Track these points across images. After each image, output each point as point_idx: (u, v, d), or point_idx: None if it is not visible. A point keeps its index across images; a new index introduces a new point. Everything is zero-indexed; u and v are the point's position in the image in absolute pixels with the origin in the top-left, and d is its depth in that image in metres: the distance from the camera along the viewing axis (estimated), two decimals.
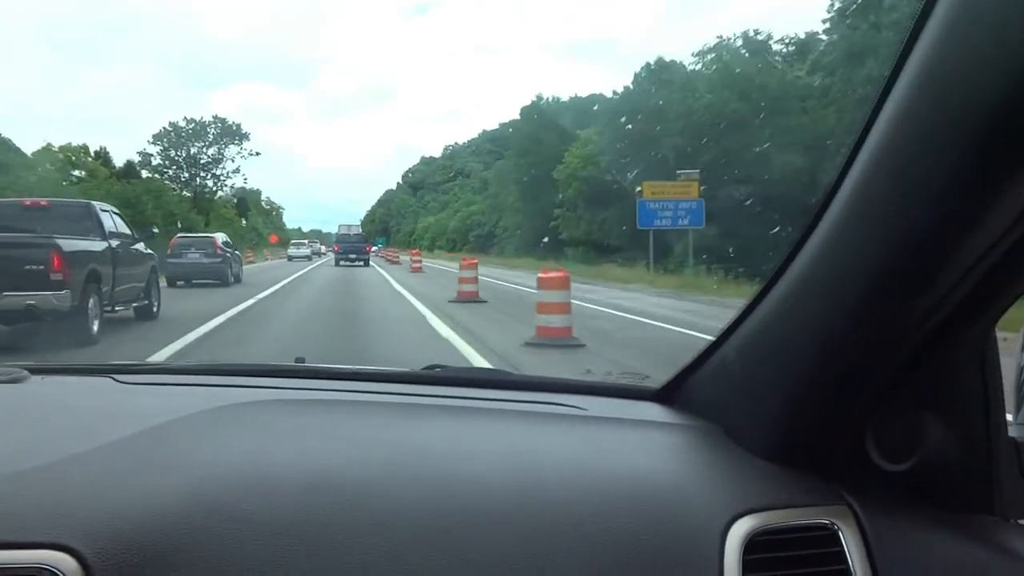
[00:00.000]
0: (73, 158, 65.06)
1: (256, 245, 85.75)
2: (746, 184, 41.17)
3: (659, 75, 57.81)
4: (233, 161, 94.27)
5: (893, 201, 1.09)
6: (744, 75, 48.93)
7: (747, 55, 53.36)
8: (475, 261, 25.38)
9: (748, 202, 39.29)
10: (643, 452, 1.54)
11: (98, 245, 14.42)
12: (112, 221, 15.86)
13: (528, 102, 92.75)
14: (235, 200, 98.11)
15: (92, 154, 67.37)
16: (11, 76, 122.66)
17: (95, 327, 13.49)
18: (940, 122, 1.01)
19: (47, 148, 63.01)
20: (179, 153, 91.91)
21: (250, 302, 21.47)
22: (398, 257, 73.26)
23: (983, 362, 1.31)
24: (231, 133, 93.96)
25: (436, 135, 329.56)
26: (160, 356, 11.28)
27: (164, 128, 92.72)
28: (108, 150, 70.00)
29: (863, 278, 1.18)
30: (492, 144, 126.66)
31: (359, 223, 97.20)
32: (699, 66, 56.04)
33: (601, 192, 56.14)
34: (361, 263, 54.89)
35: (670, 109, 51.57)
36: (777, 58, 53.38)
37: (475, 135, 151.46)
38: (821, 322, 1.30)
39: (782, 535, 1.33)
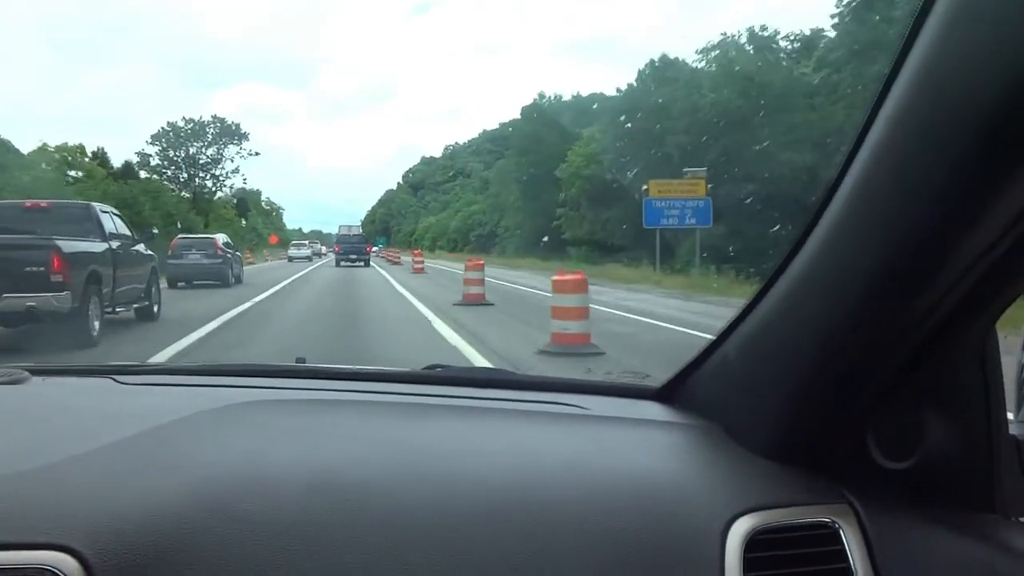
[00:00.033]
0: (69, 158, 64.64)
1: (256, 246, 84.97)
2: (753, 182, 40.40)
3: (663, 72, 57.02)
4: (232, 161, 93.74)
5: (893, 199, 1.09)
6: (749, 72, 48.24)
7: (752, 52, 52.67)
8: (481, 262, 24.32)
9: (748, 200, 38.69)
10: (644, 451, 1.54)
11: (98, 246, 14.43)
12: (112, 222, 15.87)
13: (529, 102, 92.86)
14: (235, 201, 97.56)
15: (89, 154, 67.06)
16: (11, 76, 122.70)
17: (95, 328, 13.49)
18: (940, 120, 1.01)
19: (43, 148, 62.64)
20: (178, 153, 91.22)
21: (250, 303, 21.44)
22: (399, 257, 72.01)
23: (984, 360, 1.31)
24: (230, 133, 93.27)
25: (436, 135, 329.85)
26: (161, 357, 11.27)
27: (162, 128, 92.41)
28: (106, 150, 69.86)
29: (864, 276, 1.18)
30: (493, 144, 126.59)
31: (359, 223, 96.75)
32: (703, 63, 55.40)
33: (604, 191, 55.27)
34: (361, 263, 54.90)
35: (674, 106, 50.66)
36: (782, 55, 52.71)
37: (475, 135, 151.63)
38: (822, 321, 1.30)
39: (783, 534, 1.33)
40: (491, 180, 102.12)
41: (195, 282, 29.54)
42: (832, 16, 46.94)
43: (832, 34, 48.33)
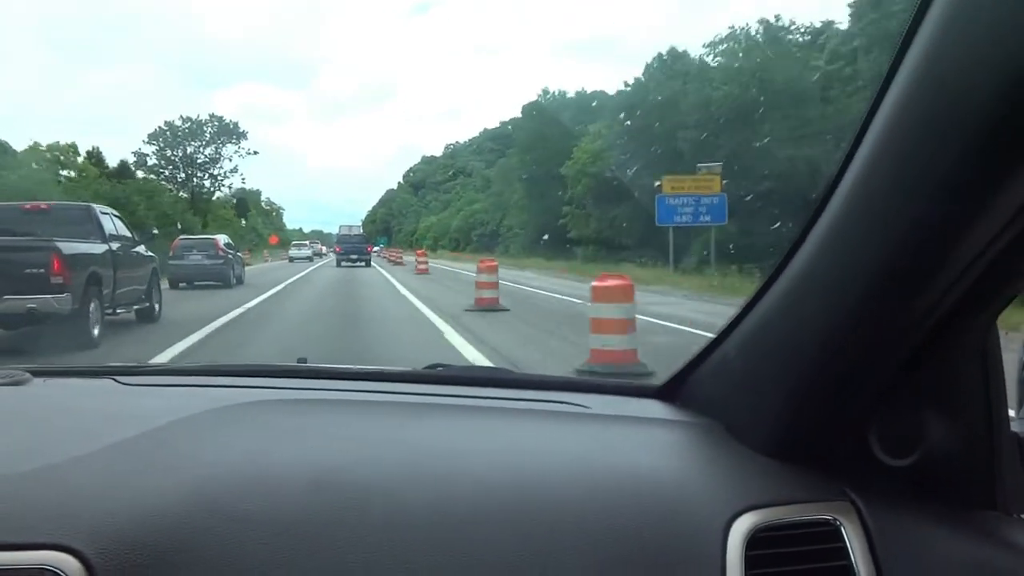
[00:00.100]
0: (61, 157, 64.08)
1: (256, 246, 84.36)
2: (769, 179, 38.44)
3: (671, 66, 55.80)
4: (231, 160, 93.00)
5: (893, 196, 1.09)
6: (763, 63, 46.81)
7: (765, 43, 51.09)
8: (494, 263, 21.86)
9: (763, 196, 37.11)
10: (645, 449, 1.54)
11: (98, 248, 14.45)
12: (112, 224, 15.89)
13: (529, 100, 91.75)
14: (234, 201, 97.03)
15: (84, 154, 66.72)
16: (11, 76, 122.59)
17: (96, 330, 13.51)
18: (940, 116, 1.00)
19: (35, 147, 62.01)
20: (175, 153, 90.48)
21: (252, 304, 21.43)
22: (401, 257, 70.04)
23: (985, 357, 1.31)
24: (228, 132, 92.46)
25: (437, 134, 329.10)
26: (162, 358, 11.29)
27: (160, 127, 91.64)
28: (101, 149, 69.21)
29: (864, 273, 1.18)
30: (494, 142, 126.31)
31: (360, 223, 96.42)
32: (711, 57, 54.26)
33: (611, 188, 53.46)
34: (362, 263, 54.92)
35: (684, 101, 49.00)
36: (795, 48, 51.19)
37: (476, 133, 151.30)
38: (822, 319, 1.29)
39: (784, 531, 1.32)
40: (493, 179, 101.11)
41: (196, 283, 29.56)
42: (849, 5, 45.78)
43: (843, 25, 47.25)
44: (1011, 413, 1.37)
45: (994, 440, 1.31)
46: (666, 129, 47.49)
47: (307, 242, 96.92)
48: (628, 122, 53.27)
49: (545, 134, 74.19)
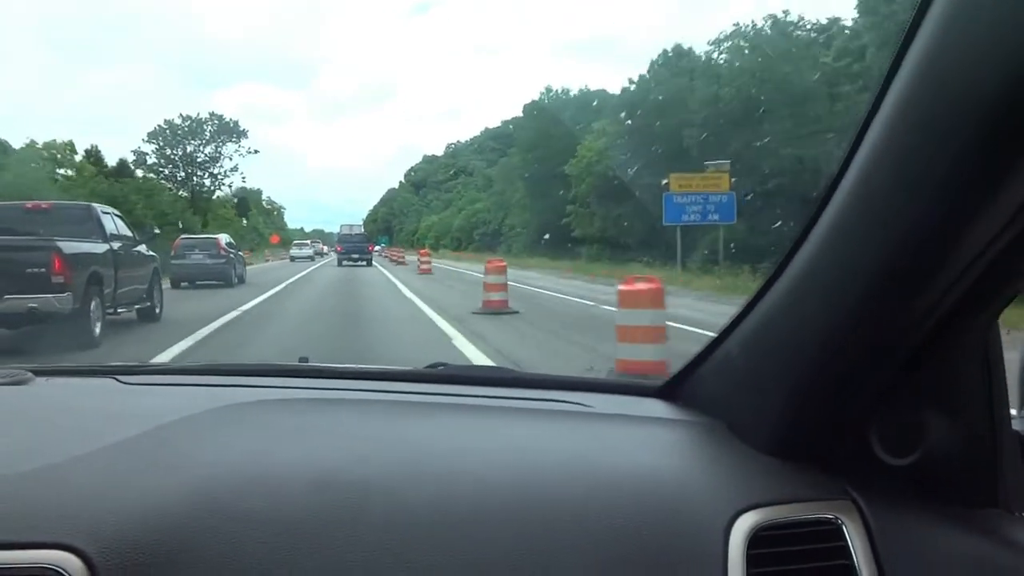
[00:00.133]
0: (58, 155, 63.52)
1: (257, 245, 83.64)
2: (777, 176, 37.63)
3: (677, 63, 54.67)
4: (231, 159, 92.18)
5: (894, 194, 1.09)
6: (772, 59, 45.38)
7: (774, 38, 49.47)
8: (502, 263, 20.60)
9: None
10: (647, 448, 1.54)
11: (99, 247, 14.45)
12: (113, 223, 15.89)
13: (530, 100, 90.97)
14: (235, 200, 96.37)
15: (83, 153, 66.22)
16: (11, 76, 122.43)
17: (97, 329, 13.50)
18: (941, 113, 1.00)
19: (31, 145, 61.35)
20: (175, 151, 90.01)
21: (253, 303, 21.42)
22: (404, 257, 68.57)
23: (986, 356, 1.31)
24: (228, 130, 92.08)
25: (438, 133, 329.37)
26: (163, 358, 11.28)
27: (159, 126, 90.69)
28: (99, 148, 68.65)
29: (866, 271, 1.18)
30: (495, 142, 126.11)
31: (361, 223, 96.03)
32: (716, 54, 53.00)
33: (616, 187, 52.13)
34: (364, 263, 54.91)
35: (691, 98, 47.79)
36: (802, 43, 49.52)
37: (477, 133, 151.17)
38: (823, 317, 1.29)
39: (786, 530, 1.32)
40: (495, 178, 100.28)
41: (198, 282, 29.57)
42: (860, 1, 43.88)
43: (850, 22, 46.02)
44: (1012, 412, 1.37)
45: (995, 438, 1.31)
46: (669, 128, 46.67)
47: (308, 241, 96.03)
48: (629, 121, 52.54)
49: (548, 132, 73.21)
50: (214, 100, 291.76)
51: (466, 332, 14.73)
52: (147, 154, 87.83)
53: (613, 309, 15.96)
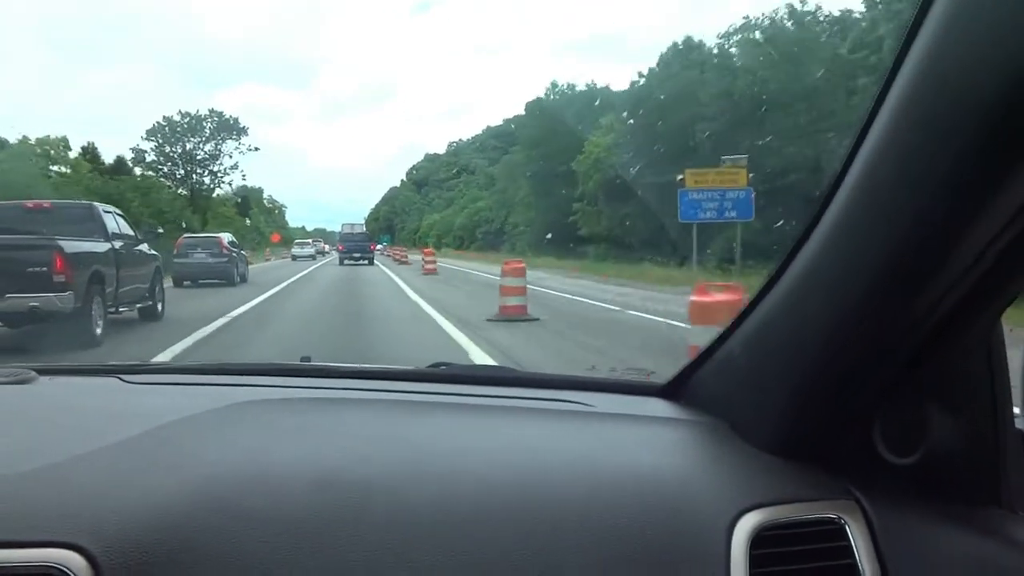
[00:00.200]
0: (52, 152, 62.69)
1: (258, 244, 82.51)
2: (794, 172, 35.57)
3: (687, 55, 53.42)
4: (231, 157, 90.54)
5: (897, 192, 1.09)
6: (791, 51, 43.85)
7: (785, 30, 47.88)
8: (521, 265, 18.33)
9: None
10: (649, 448, 1.54)
11: (101, 246, 14.45)
12: (115, 222, 15.90)
13: (532, 98, 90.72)
14: (239, 200, 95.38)
15: (80, 150, 65.42)
16: (11, 76, 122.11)
17: (99, 328, 13.51)
18: (942, 116, 1.01)
19: (23, 141, 60.13)
20: (174, 149, 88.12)
21: (256, 301, 21.41)
22: (406, 256, 65.61)
23: (990, 354, 1.30)
24: (228, 128, 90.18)
25: (439, 132, 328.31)
26: (164, 357, 11.28)
27: (158, 123, 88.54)
28: (96, 145, 67.61)
29: (868, 271, 1.18)
30: (497, 140, 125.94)
31: (363, 222, 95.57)
32: (727, 47, 51.62)
33: (624, 184, 49.40)
34: (365, 262, 54.89)
35: (703, 91, 46.29)
36: (821, 34, 47.89)
37: (479, 131, 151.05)
38: (826, 316, 1.29)
39: (789, 530, 1.32)
40: (498, 176, 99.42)
41: (200, 281, 29.61)
42: None
43: (864, 13, 44.25)
44: (1016, 410, 1.37)
45: (999, 437, 1.31)
46: (680, 122, 45.38)
47: (310, 240, 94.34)
48: (631, 122, 51.81)
49: (552, 129, 71.95)
50: (215, 100, 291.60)
51: (482, 343, 13.10)
52: (146, 151, 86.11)
53: (640, 314, 15.77)
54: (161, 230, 22.78)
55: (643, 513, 1.31)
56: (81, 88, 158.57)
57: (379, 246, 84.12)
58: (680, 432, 1.61)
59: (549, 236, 60.72)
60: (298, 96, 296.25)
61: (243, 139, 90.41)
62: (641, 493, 1.36)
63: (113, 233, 15.27)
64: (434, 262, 41.36)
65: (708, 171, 34.44)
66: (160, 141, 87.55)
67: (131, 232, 16.73)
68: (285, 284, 30.79)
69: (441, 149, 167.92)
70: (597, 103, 70.98)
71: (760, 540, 1.30)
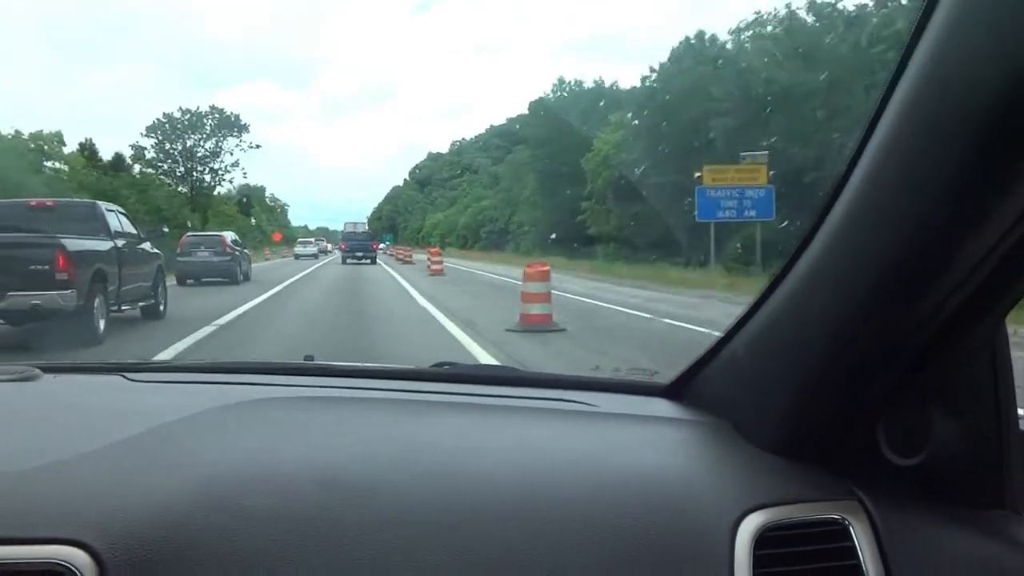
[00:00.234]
0: (46, 147, 61.69)
1: (259, 243, 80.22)
2: (814, 170, 33.33)
3: (700, 50, 51.31)
4: (232, 154, 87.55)
5: (901, 194, 1.09)
6: (813, 43, 41.82)
7: (799, 25, 45.58)
8: (546, 268, 16.12)
9: (807, 189, 31.89)
10: (653, 448, 1.54)
11: (104, 245, 14.47)
12: (118, 221, 15.93)
13: (535, 97, 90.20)
14: (243, 198, 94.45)
15: (78, 145, 64.31)
16: (11, 76, 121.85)
17: (101, 327, 13.52)
18: (944, 119, 1.01)
19: (16, 135, 58.97)
20: (174, 146, 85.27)
21: (259, 300, 21.40)
22: (411, 256, 63.33)
23: (994, 356, 1.30)
24: (229, 125, 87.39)
25: (442, 131, 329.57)
26: (166, 355, 11.29)
27: (158, 119, 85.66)
28: (94, 141, 66.05)
29: (872, 272, 1.18)
30: (500, 139, 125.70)
31: (365, 221, 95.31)
32: (742, 40, 49.55)
33: (633, 183, 47.79)
34: (368, 261, 54.88)
35: (717, 86, 43.84)
36: (839, 25, 44.69)
37: (482, 130, 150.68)
38: (830, 315, 1.29)
39: (793, 530, 1.32)
40: (502, 174, 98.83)
41: (204, 279, 29.63)
42: None
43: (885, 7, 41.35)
44: (1020, 412, 1.37)
45: (1003, 439, 1.31)
46: (686, 122, 43.97)
47: (312, 239, 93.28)
48: (636, 122, 51.16)
49: (559, 128, 70.82)
50: (215, 100, 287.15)
51: (508, 360, 10.97)
52: (145, 149, 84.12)
53: (678, 323, 14.92)
54: (166, 229, 22.76)
55: (647, 513, 1.31)
56: (81, 88, 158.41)
57: (382, 245, 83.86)
58: (684, 432, 1.61)
59: (554, 236, 59.85)
60: (299, 96, 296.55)
61: (244, 136, 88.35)
62: (645, 493, 1.36)
63: (116, 231, 15.30)
64: (440, 262, 39.66)
65: (727, 168, 33.44)
66: (160, 138, 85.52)
67: (134, 230, 16.76)
68: (287, 283, 30.78)
69: (444, 148, 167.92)
70: (602, 104, 70.10)
71: (764, 540, 1.30)
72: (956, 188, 1.03)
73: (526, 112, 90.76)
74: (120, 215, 16.46)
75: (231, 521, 1.23)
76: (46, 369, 1.92)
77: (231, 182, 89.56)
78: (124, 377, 1.95)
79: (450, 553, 1.23)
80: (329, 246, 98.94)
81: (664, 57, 56.57)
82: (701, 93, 44.35)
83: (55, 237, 12.92)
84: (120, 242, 15.16)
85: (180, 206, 66.02)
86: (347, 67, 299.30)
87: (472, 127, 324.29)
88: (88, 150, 64.23)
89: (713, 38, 52.26)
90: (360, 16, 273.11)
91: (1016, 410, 1.34)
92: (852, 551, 1.32)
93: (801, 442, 1.44)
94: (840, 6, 44.11)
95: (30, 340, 12.72)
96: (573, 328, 14.93)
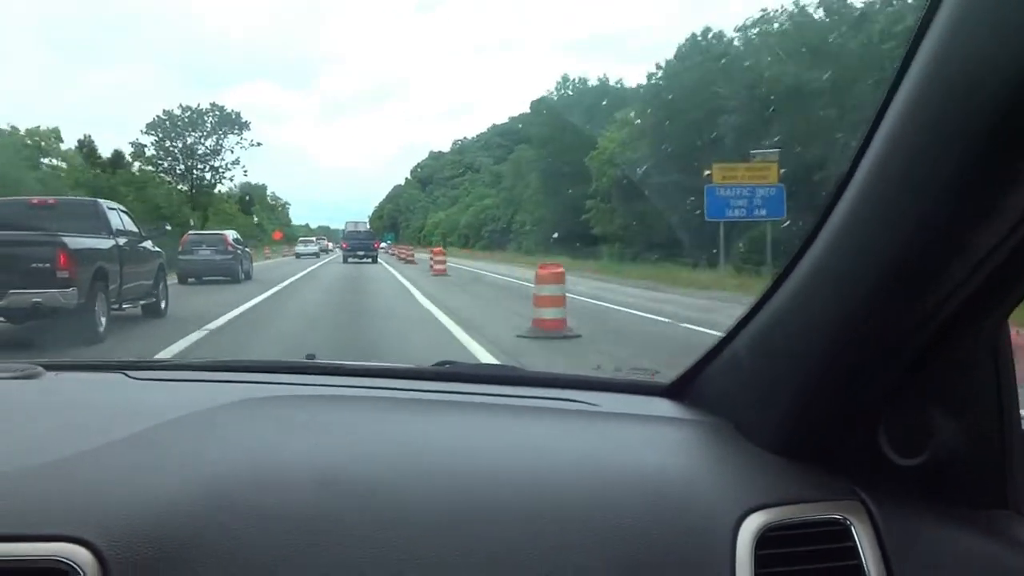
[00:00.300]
0: (42, 143, 61.28)
1: (260, 242, 78.98)
2: (824, 168, 32.22)
3: (706, 47, 50.99)
4: (232, 152, 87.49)
5: (902, 194, 1.09)
6: (822, 40, 40.67)
7: (809, 22, 44.56)
8: (561, 270, 14.98)
9: (819, 187, 30.76)
10: (654, 448, 1.54)
11: (105, 243, 14.47)
12: (119, 219, 15.95)
13: (538, 96, 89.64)
14: (246, 196, 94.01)
15: (76, 142, 64.18)
16: (11, 76, 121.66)
17: (102, 325, 13.53)
18: (947, 120, 1.01)
19: (13, 132, 58.61)
20: (175, 144, 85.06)
21: (261, 298, 21.38)
22: (413, 255, 61.30)
23: (996, 356, 1.30)
24: (230, 122, 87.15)
25: (444, 130, 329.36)
26: (167, 354, 11.29)
27: (158, 117, 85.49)
28: (92, 138, 65.85)
29: (873, 271, 1.18)
30: (502, 138, 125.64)
31: (367, 220, 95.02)
32: (751, 36, 48.69)
33: (640, 181, 46.00)
34: (369, 260, 54.84)
35: (726, 83, 43.02)
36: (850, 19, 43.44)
37: (484, 129, 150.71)
38: (832, 314, 1.29)
39: (794, 530, 1.32)
40: (505, 173, 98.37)
41: (205, 278, 29.64)
42: None
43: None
44: (1022, 412, 1.37)
45: (1005, 438, 1.31)
46: (693, 119, 43.37)
47: (314, 238, 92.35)
48: (638, 121, 50.64)
49: (563, 126, 69.81)
50: (216, 99, 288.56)
51: None
52: (145, 146, 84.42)
53: (695, 328, 14.34)
54: (169, 227, 22.78)
55: (648, 513, 1.31)
56: (81, 88, 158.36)
57: (383, 244, 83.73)
58: (685, 432, 1.61)
59: (556, 235, 59.24)
60: (301, 95, 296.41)
61: (245, 134, 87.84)
62: (646, 493, 1.36)
63: (117, 230, 15.31)
64: (444, 262, 38.32)
65: (737, 166, 32.34)
66: (160, 136, 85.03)
67: (135, 229, 16.78)
68: (289, 282, 30.79)
69: (446, 147, 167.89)
70: (604, 103, 69.34)
71: (765, 540, 1.30)
72: (957, 188, 1.03)
73: (528, 111, 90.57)
74: (121, 213, 16.48)
75: (232, 519, 1.23)
76: (48, 367, 1.93)
77: (231, 180, 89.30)
78: (126, 375, 1.95)
79: (451, 552, 1.23)
80: (330, 245, 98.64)
81: (668, 55, 56.08)
82: (708, 90, 43.76)
83: (56, 235, 12.93)
84: (121, 240, 15.17)
85: (179, 204, 65.68)
86: (348, 66, 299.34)
87: (474, 126, 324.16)
88: (87, 147, 63.92)
89: (720, 34, 51.74)
90: (361, 15, 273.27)
91: (1019, 410, 1.34)
92: (854, 551, 1.31)
93: (803, 442, 1.43)
94: (850, 1, 43.30)
95: (31, 338, 12.74)
96: (588, 334, 13.95)
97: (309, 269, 42.71)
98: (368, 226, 69.43)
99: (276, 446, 1.45)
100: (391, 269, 44.11)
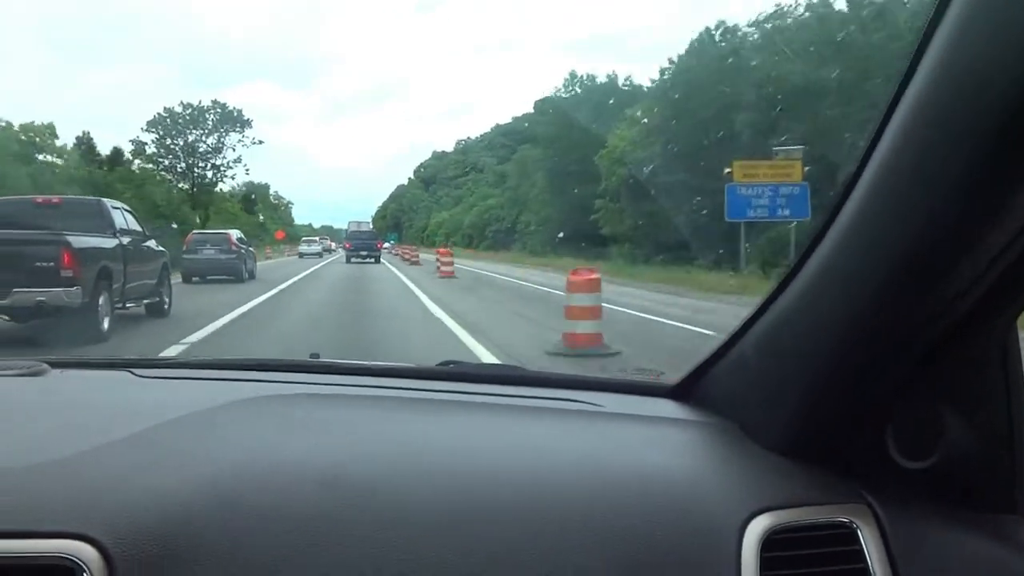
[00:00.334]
0: (37, 139, 60.76)
1: (262, 241, 76.90)
2: (845, 166, 32.89)
3: (719, 42, 48.88)
4: (234, 150, 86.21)
5: (912, 191, 1.09)
6: (841, 33, 38.92)
7: (827, 14, 42.77)
8: (596, 277, 12.96)
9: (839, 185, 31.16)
10: (658, 449, 1.53)
11: (109, 242, 14.53)
12: (123, 218, 16.01)
13: (542, 95, 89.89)
14: (251, 195, 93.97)
15: (75, 139, 63.73)
16: (11, 76, 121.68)
17: (106, 324, 13.58)
18: (955, 118, 1.01)
19: (7, 127, 57.56)
20: (176, 142, 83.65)
21: (263, 298, 21.41)
22: (418, 255, 58.79)
23: (1005, 357, 1.30)
24: (232, 120, 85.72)
25: (447, 130, 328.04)
26: (171, 352, 11.32)
27: (159, 114, 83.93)
28: (91, 135, 65.30)
29: (882, 268, 1.18)
30: (506, 138, 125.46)
31: (370, 219, 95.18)
32: (755, 37, 47.30)
33: (652, 181, 43.53)
34: (372, 260, 54.83)
35: (741, 79, 40.97)
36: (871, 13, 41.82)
37: (487, 129, 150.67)
38: (840, 313, 1.28)
39: (800, 533, 1.31)
40: (509, 173, 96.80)
41: (209, 277, 29.73)
42: None
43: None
44: None
45: (1014, 442, 1.30)
46: (708, 116, 41.69)
47: (317, 238, 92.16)
48: (645, 120, 50.15)
49: (569, 125, 68.44)
50: (217, 100, 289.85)
51: None
52: (146, 144, 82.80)
53: None
54: (175, 226, 22.84)
55: (652, 514, 1.30)
56: (81, 88, 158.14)
57: (386, 244, 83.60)
58: (689, 433, 1.61)
59: (561, 235, 58.28)
60: (302, 95, 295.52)
61: (247, 132, 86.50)
62: (650, 494, 1.35)
63: (121, 229, 15.37)
64: (451, 263, 36.26)
65: (759, 163, 30.33)
66: (161, 133, 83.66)
67: (139, 228, 16.83)
68: (291, 281, 30.83)
69: (449, 147, 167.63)
70: (611, 102, 68.87)
71: (771, 543, 1.29)
72: (966, 185, 1.03)
73: (531, 111, 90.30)
74: (125, 212, 16.54)
75: (235, 518, 1.23)
76: (53, 364, 1.93)
77: (233, 178, 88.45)
78: (131, 373, 1.96)
79: (453, 552, 1.22)
80: (333, 245, 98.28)
81: (670, 55, 55.25)
82: (721, 86, 42.47)
83: (60, 234, 12.98)
84: (125, 240, 15.23)
85: (179, 202, 65.22)
86: (348, 66, 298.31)
87: (477, 126, 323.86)
88: (85, 144, 63.55)
89: (734, 28, 50.24)
90: (361, 15, 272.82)
91: None
92: (860, 555, 1.31)
93: (809, 443, 1.43)
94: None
95: (35, 337, 12.77)
96: (626, 350, 12.08)
97: (311, 269, 42.64)
98: (371, 226, 69.56)
99: (280, 445, 1.45)
100: (396, 271, 42.98)
